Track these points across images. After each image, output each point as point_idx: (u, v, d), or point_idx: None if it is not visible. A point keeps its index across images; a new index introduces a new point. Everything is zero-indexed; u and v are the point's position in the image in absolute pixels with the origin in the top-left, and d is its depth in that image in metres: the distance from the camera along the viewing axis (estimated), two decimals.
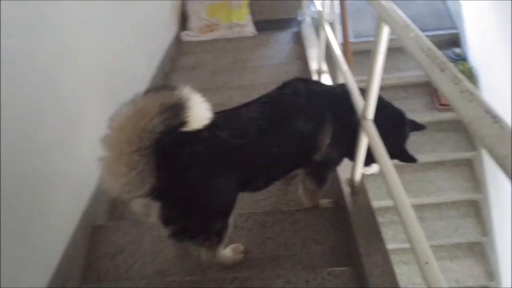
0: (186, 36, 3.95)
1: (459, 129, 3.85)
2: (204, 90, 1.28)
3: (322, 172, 1.88)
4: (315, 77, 2.91)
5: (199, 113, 1.25)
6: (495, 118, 0.75)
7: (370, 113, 1.60)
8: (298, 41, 3.79)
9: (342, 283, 1.75)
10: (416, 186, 3.71)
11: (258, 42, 3.90)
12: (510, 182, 0.67)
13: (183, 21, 4.12)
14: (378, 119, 1.61)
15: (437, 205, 3.76)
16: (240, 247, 1.92)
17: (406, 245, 1.23)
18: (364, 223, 1.84)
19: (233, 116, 1.60)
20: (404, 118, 1.86)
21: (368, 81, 1.51)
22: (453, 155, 3.81)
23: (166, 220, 1.46)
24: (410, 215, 1.21)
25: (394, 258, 1.73)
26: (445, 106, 3.78)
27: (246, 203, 2.20)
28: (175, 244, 1.90)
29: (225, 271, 1.86)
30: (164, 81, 3.31)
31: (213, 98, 1.23)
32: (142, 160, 1.20)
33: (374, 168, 1.99)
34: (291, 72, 3.29)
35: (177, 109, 1.19)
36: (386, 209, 3.62)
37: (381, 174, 1.46)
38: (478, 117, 0.77)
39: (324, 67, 2.90)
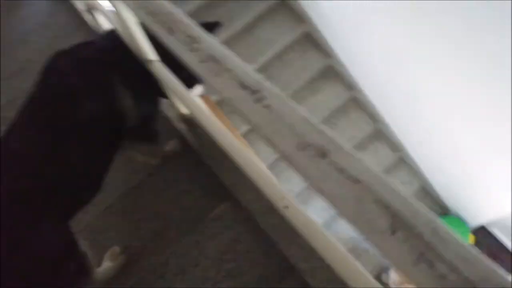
0: None
1: None
2: None
3: (146, 131, 1.64)
4: (87, 17, 2.45)
5: None
6: (257, 94, 0.56)
7: (150, 54, 1.34)
8: None
9: (230, 220, 1.64)
10: (249, 51, 3.58)
11: None
12: None
13: None
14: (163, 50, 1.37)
15: (277, 57, 3.70)
16: (116, 249, 1.70)
17: None
18: (214, 155, 1.69)
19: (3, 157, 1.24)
20: None
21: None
22: (263, 3, 3.64)
23: None
24: (248, 158, 1.05)
25: None
26: None
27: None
28: None
29: (115, 282, 1.66)
30: None
31: None
32: None
33: (198, 89, 1.76)
34: (56, 24, 2.76)
35: None
36: None
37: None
38: (234, 94, 0.57)
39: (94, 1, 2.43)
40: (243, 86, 0.58)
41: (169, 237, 1.72)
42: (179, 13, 0.71)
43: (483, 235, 3.84)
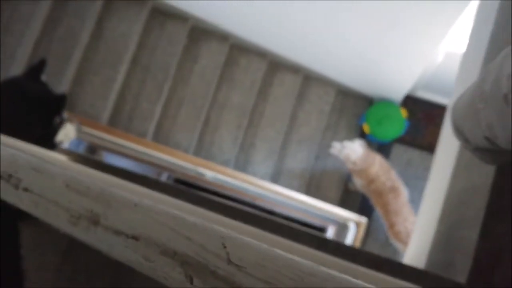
0: None
1: None
2: None
3: None
4: None
5: None
6: (12, 179, 0.46)
7: None
8: None
9: None
10: (111, 55, 3.37)
11: None
12: None
13: None
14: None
15: (141, 45, 3.51)
16: None
17: None
18: None
19: None
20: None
21: None
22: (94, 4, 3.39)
23: None
24: None
25: None
26: None
27: None
28: None
29: None
30: None
31: None
32: None
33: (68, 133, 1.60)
34: None
35: None
36: None
37: None
38: None
39: None
40: None
41: (126, 281, 1.62)
42: None
43: (411, 103, 3.94)
